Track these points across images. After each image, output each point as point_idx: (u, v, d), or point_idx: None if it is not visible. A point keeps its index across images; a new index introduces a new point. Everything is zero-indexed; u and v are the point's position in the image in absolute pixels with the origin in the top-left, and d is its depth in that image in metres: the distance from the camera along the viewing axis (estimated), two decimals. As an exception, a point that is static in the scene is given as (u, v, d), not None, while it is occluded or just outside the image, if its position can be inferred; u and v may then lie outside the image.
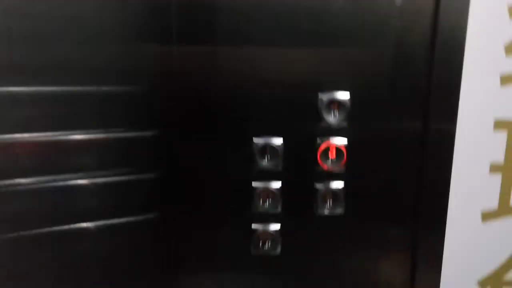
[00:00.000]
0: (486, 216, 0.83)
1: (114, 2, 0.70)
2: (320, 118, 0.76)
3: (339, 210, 0.80)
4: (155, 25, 0.72)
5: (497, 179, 0.82)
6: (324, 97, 0.75)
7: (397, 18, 0.72)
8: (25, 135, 0.72)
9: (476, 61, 0.74)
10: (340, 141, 0.78)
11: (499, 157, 0.80)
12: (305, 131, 0.77)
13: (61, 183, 0.74)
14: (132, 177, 0.77)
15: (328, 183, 0.79)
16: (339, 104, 0.75)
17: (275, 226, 0.81)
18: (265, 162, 0.77)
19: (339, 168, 0.78)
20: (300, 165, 0.79)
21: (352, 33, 0.73)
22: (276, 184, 0.79)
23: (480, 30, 0.73)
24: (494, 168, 0.81)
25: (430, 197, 0.81)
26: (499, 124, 0.78)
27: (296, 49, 0.74)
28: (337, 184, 0.80)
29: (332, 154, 0.77)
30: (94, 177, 0.76)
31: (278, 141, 0.77)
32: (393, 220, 0.83)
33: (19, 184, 0.73)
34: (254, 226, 0.81)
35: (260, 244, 0.82)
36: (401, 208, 0.82)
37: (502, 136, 0.79)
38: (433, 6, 0.72)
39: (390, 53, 0.74)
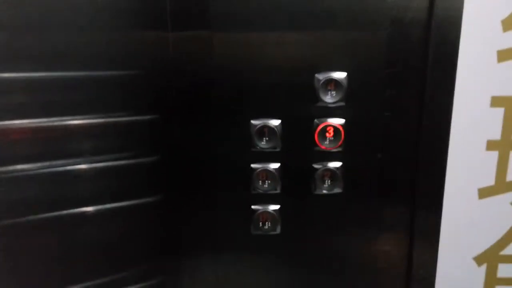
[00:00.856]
0: (483, 193, 0.81)
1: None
2: (317, 99, 0.73)
3: (337, 189, 0.78)
4: (150, 11, 0.69)
5: (493, 156, 0.79)
6: (321, 77, 0.72)
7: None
8: (24, 121, 0.69)
9: (473, 38, 0.71)
10: (338, 121, 0.75)
11: (496, 134, 0.77)
12: (303, 112, 0.75)
13: (60, 169, 0.72)
14: (131, 161, 0.75)
15: (326, 163, 0.77)
16: (336, 84, 0.72)
17: (274, 206, 0.80)
18: (263, 144, 0.75)
19: (336, 148, 0.75)
20: (298, 146, 0.77)
21: (349, 13, 0.70)
22: (275, 165, 0.77)
23: (477, 6, 0.69)
24: (491, 145, 0.78)
25: (427, 175, 0.79)
26: (496, 101, 0.75)
27: (292, 31, 0.71)
28: (335, 164, 0.77)
29: (330, 134, 0.74)
30: (94, 162, 0.73)
31: (275, 122, 0.74)
32: (390, 198, 0.81)
33: (19, 170, 0.70)
34: (253, 206, 0.79)
35: (260, 224, 0.80)
36: (399, 186, 0.80)
37: (499, 112, 0.76)
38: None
39: (387, 32, 0.71)
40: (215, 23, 0.70)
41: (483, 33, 0.71)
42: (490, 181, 0.80)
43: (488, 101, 0.75)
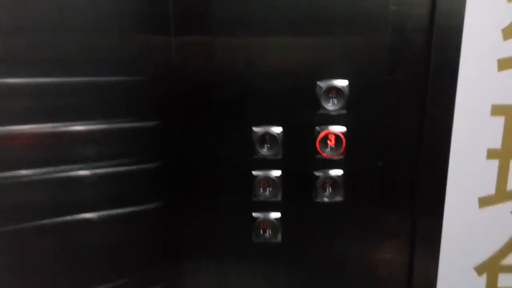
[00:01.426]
0: (483, 202, 0.79)
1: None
2: (319, 106, 0.72)
3: (339, 197, 0.76)
4: (153, 15, 0.68)
5: (494, 164, 0.77)
6: (322, 85, 0.70)
7: (394, 4, 0.68)
8: (27, 127, 0.67)
9: (474, 46, 0.69)
10: (339, 128, 0.72)
11: (496, 142, 0.75)
12: (304, 119, 0.73)
13: (63, 174, 0.70)
14: (133, 167, 0.73)
15: (328, 170, 0.75)
16: (338, 91, 0.71)
17: (275, 214, 0.77)
18: (265, 151, 0.73)
19: (338, 155, 0.73)
20: (300, 153, 0.75)
21: (350, 20, 0.69)
22: (276, 172, 0.75)
23: (478, 14, 0.68)
24: (491, 154, 0.76)
25: (428, 183, 0.77)
26: (496, 109, 0.73)
27: (294, 37, 0.70)
28: (336, 172, 0.75)
29: (331, 142, 0.72)
30: (96, 167, 0.71)
31: (277, 129, 0.73)
32: (391, 206, 0.79)
33: (22, 176, 0.68)
34: (255, 214, 0.77)
35: (261, 232, 0.77)
36: (400, 194, 0.78)
37: (500, 121, 0.74)
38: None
39: (388, 39, 0.70)
40: (218, 28, 0.68)
41: (483, 42, 0.69)
42: (490, 190, 0.78)
43: (488, 109, 0.73)
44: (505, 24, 0.69)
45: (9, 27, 0.63)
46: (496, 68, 0.71)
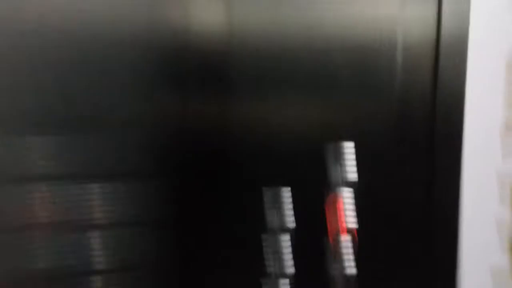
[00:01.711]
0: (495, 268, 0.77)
1: (132, 61, 0.68)
2: (328, 170, 0.72)
3: (351, 270, 0.73)
4: (171, 81, 0.70)
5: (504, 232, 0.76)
6: (331, 149, 0.71)
7: (399, 76, 0.72)
8: (43, 184, 0.67)
9: (477, 115, 0.72)
10: (347, 192, 0.72)
11: (505, 207, 0.75)
12: (313, 183, 0.72)
13: (75, 230, 0.68)
14: (142, 225, 0.71)
15: (339, 240, 0.73)
16: (346, 156, 0.71)
17: (285, 284, 0.73)
18: (274, 216, 0.71)
19: (349, 222, 0.72)
20: (309, 219, 0.73)
21: (357, 90, 0.72)
22: (285, 238, 0.72)
23: (478, 85, 0.71)
24: (500, 222, 0.75)
25: (439, 254, 0.76)
26: (502, 177, 0.74)
27: (303, 104, 0.72)
28: (347, 241, 0.73)
29: (340, 206, 0.72)
30: (109, 225, 0.70)
31: (287, 193, 0.72)
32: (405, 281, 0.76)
33: (36, 231, 0.67)
34: (263, 282, 0.73)
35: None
36: (413, 268, 0.76)
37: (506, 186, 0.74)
38: (432, 64, 0.71)
39: (394, 108, 0.72)
40: (231, 90, 0.70)
41: (486, 111, 0.72)
42: (502, 261, 0.77)
43: (494, 179, 0.74)
44: (507, 94, 0.72)
45: (32, 88, 0.65)
46: (499, 135, 0.73)
